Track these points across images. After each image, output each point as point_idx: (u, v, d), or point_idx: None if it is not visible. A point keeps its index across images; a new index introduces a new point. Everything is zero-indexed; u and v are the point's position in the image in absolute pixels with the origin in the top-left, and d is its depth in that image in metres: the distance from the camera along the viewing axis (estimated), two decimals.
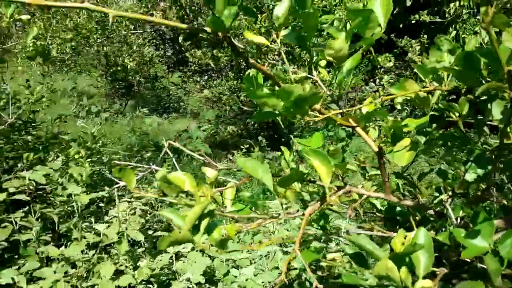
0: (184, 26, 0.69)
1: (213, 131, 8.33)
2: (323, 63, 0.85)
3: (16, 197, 2.53)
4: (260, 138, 7.72)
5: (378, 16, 0.71)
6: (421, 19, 7.88)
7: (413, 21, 8.28)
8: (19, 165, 2.91)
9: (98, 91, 10.53)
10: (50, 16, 8.13)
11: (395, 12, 9.43)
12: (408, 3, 8.06)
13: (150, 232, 2.81)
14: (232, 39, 0.72)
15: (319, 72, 0.89)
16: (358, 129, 0.90)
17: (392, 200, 0.96)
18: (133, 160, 5.02)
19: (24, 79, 3.84)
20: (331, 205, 1.13)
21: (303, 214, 0.86)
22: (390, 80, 9.12)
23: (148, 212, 2.96)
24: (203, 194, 0.87)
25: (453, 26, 8.31)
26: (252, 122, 8.15)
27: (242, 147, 7.06)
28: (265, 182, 0.75)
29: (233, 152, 7.14)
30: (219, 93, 8.24)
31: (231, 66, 8.09)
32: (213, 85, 8.43)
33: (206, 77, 8.90)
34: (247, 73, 0.98)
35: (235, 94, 7.95)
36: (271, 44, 0.81)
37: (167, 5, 10.06)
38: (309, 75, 0.94)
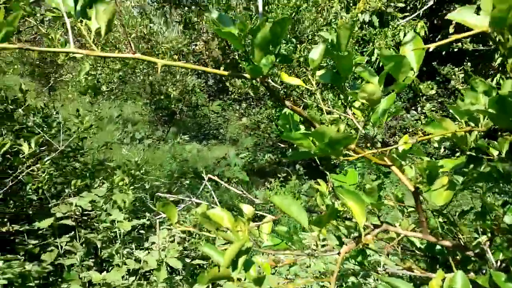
0: (225, 73, 0.74)
1: (251, 158, 8.40)
2: (357, 104, 0.88)
3: (63, 222, 2.66)
4: (297, 166, 7.70)
5: (411, 61, 0.73)
6: (464, 47, 7.71)
7: (455, 49, 8.11)
8: (66, 190, 3.05)
9: (142, 118, 10.95)
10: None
11: (437, 39, 9.28)
12: (451, 31, 7.96)
13: (187, 260, 2.85)
14: (270, 84, 0.76)
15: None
16: (394, 168, 0.90)
17: (430, 240, 0.95)
18: (173, 186, 5.14)
19: (74, 107, 4.06)
20: (367, 245, 1.13)
21: (339, 253, 0.87)
22: (433, 108, 8.90)
23: (186, 239, 3.01)
24: (240, 229, 0.90)
25: (499, 53, 8.05)
26: (290, 150, 8.16)
27: (279, 175, 7.06)
28: (300, 221, 0.77)
29: (270, 180, 7.15)
30: (258, 121, 8.35)
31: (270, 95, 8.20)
32: (252, 113, 8.57)
33: (245, 106, 9.06)
34: (283, 111, 1.02)
35: (273, 122, 8.03)
36: (306, 85, 0.85)
37: (210, 36, 10.45)
38: (344, 114, 0.96)
